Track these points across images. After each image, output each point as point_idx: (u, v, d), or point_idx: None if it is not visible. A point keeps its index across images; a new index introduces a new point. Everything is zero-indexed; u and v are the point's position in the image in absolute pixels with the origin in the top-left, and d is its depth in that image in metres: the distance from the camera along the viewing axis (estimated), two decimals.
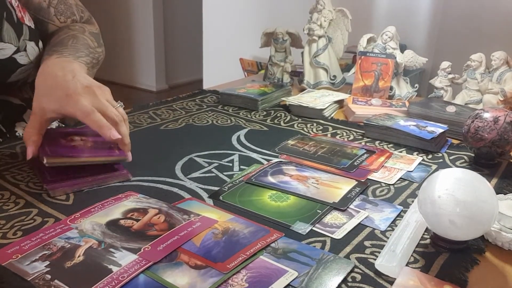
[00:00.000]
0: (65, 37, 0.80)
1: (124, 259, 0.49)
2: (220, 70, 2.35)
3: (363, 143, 0.88)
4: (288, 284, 0.46)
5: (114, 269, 0.47)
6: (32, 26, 0.80)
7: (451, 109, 0.97)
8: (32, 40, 0.78)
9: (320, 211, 0.61)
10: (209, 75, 2.43)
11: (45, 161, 0.63)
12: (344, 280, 0.48)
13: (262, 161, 0.78)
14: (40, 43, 0.81)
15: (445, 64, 1.11)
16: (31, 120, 0.66)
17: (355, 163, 0.77)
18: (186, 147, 0.82)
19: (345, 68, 1.44)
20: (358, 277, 0.49)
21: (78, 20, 0.88)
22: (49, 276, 0.46)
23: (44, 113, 0.65)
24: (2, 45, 0.72)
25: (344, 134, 0.94)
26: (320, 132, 0.95)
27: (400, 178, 0.73)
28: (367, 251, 0.53)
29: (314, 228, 0.57)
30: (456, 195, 0.50)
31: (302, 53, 1.28)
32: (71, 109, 0.64)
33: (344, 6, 1.25)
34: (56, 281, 0.45)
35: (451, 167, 0.79)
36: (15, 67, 0.76)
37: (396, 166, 0.77)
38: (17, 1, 0.79)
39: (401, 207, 0.64)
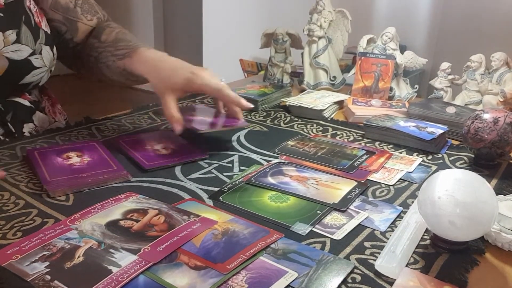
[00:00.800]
0: (119, 32, 0.88)
1: (124, 259, 0.49)
2: (220, 70, 2.35)
3: (363, 144, 0.88)
4: (288, 285, 0.46)
5: (114, 269, 0.47)
6: (49, 31, 0.83)
7: (451, 110, 0.97)
8: (48, 44, 0.81)
9: (320, 212, 0.61)
10: None
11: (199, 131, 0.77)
12: (344, 281, 0.48)
13: (262, 161, 0.78)
14: (54, 49, 0.84)
15: (445, 65, 1.11)
16: (167, 103, 0.76)
17: (355, 164, 0.77)
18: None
19: (345, 69, 1.44)
20: (358, 278, 0.49)
21: (102, 18, 0.94)
22: (48, 277, 0.46)
23: (173, 93, 0.76)
24: (19, 46, 0.75)
25: (344, 135, 0.94)
26: (320, 133, 0.95)
27: (400, 179, 0.73)
28: (367, 252, 0.53)
29: (314, 229, 0.57)
30: (456, 196, 0.50)
31: (302, 54, 1.28)
32: (200, 84, 0.76)
33: (344, 7, 1.25)
34: (55, 281, 0.45)
35: (451, 168, 0.79)
36: (29, 69, 0.78)
37: (396, 167, 0.77)
38: (35, 7, 0.82)
39: (401, 208, 0.64)
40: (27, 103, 0.86)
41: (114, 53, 0.83)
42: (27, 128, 0.87)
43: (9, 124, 0.83)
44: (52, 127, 0.91)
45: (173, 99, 0.76)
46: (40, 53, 0.79)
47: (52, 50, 0.83)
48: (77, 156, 0.74)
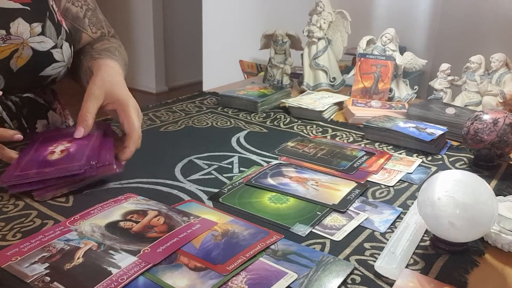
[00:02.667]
0: (111, 47, 0.90)
1: (123, 261, 0.49)
2: (219, 72, 2.35)
3: (363, 145, 0.88)
4: (288, 286, 0.46)
5: (114, 271, 0.47)
6: (68, 31, 0.88)
7: (450, 111, 0.97)
8: (68, 41, 0.86)
9: (319, 213, 0.61)
10: (209, 77, 2.44)
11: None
12: (344, 282, 0.48)
13: (262, 163, 0.78)
14: (72, 47, 0.89)
15: (444, 66, 1.11)
16: (90, 105, 0.71)
17: (355, 165, 0.77)
18: (186, 149, 0.82)
19: (345, 70, 1.44)
20: (358, 279, 0.49)
21: (106, 34, 0.99)
22: (48, 278, 0.46)
23: (100, 100, 0.73)
24: (44, 38, 0.80)
25: (344, 136, 0.94)
26: (320, 134, 0.95)
27: (400, 180, 0.73)
28: (367, 253, 0.53)
29: (313, 230, 0.57)
30: (455, 197, 0.50)
31: (302, 55, 1.28)
32: (125, 116, 0.73)
33: (343, 8, 1.25)
34: (55, 283, 0.45)
35: (451, 169, 0.79)
36: (50, 61, 0.82)
37: (396, 168, 0.77)
38: (56, 7, 0.87)
39: (401, 209, 0.64)
40: (41, 101, 0.90)
41: (93, 55, 0.86)
42: (40, 124, 0.89)
43: (22, 119, 0.86)
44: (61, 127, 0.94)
45: (97, 105, 0.72)
46: (61, 48, 0.83)
47: (70, 47, 0.87)
48: (67, 143, 0.70)
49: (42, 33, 0.79)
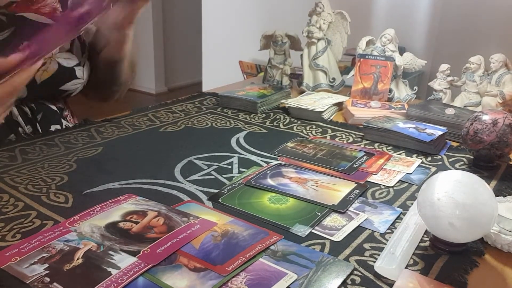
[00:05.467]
0: None
1: (123, 261, 0.49)
2: (219, 72, 2.35)
3: (362, 146, 0.88)
4: (288, 287, 0.46)
5: (113, 271, 0.47)
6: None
7: (450, 111, 0.97)
8: (89, 60, 0.90)
9: (319, 214, 0.61)
10: (208, 77, 2.43)
11: None
12: (344, 283, 0.48)
13: (262, 163, 0.78)
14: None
15: (444, 66, 1.11)
16: None
17: (354, 166, 0.77)
18: (185, 149, 0.82)
19: (344, 71, 1.44)
20: (358, 279, 0.49)
21: None
22: (47, 279, 0.46)
23: None
24: (70, 55, 0.84)
25: (343, 136, 0.94)
26: (319, 134, 0.95)
27: (400, 180, 0.73)
28: (367, 253, 0.53)
29: (313, 231, 0.57)
30: (455, 197, 0.50)
31: (301, 55, 1.28)
32: None
33: (343, 9, 1.25)
34: (54, 283, 0.45)
35: (450, 169, 0.79)
36: (72, 77, 0.86)
37: (395, 169, 0.77)
38: None
39: (401, 210, 0.64)
40: (54, 108, 0.92)
41: None
42: (54, 129, 0.91)
43: (37, 124, 0.88)
44: None
45: None
46: (83, 66, 0.87)
47: (89, 66, 0.91)
48: None
49: (70, 50, 0.83)
